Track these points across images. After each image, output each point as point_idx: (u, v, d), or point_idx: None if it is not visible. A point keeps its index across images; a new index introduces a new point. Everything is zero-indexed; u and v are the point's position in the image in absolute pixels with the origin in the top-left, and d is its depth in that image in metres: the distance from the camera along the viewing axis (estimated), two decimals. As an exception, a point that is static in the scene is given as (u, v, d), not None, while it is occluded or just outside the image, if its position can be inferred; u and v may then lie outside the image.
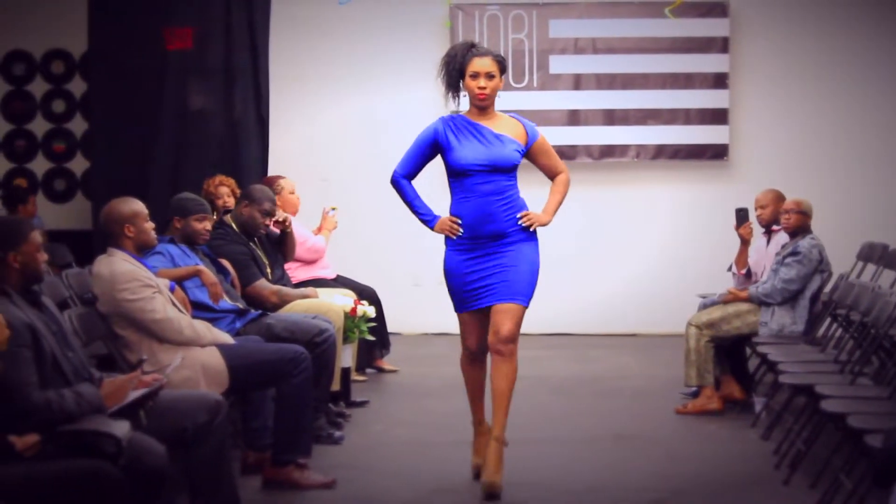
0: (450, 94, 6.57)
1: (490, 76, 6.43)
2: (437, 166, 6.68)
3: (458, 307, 6.63)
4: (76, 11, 11.28)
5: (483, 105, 6.49)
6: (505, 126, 6.54)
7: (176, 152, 10.67)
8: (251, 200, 8.08)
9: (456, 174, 6.49)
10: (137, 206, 6.33)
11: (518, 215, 6.47)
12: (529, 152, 6.58)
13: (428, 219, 6.62)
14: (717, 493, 6.51)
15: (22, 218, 5.66)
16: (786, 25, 11.99)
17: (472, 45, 6.55)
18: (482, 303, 6.50)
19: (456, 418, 7.87)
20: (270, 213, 8.13)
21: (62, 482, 4.23)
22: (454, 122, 6.53)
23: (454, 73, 6.51)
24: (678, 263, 11.88)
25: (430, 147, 6.56)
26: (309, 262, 9.18)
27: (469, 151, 6.43)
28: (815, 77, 11.97)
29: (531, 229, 6.49)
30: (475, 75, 6.44)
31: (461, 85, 6.53)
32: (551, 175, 6.73)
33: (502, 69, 6.51)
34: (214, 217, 8.17)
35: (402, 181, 6.62)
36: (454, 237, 6.51)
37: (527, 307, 6.51)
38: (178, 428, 5.17)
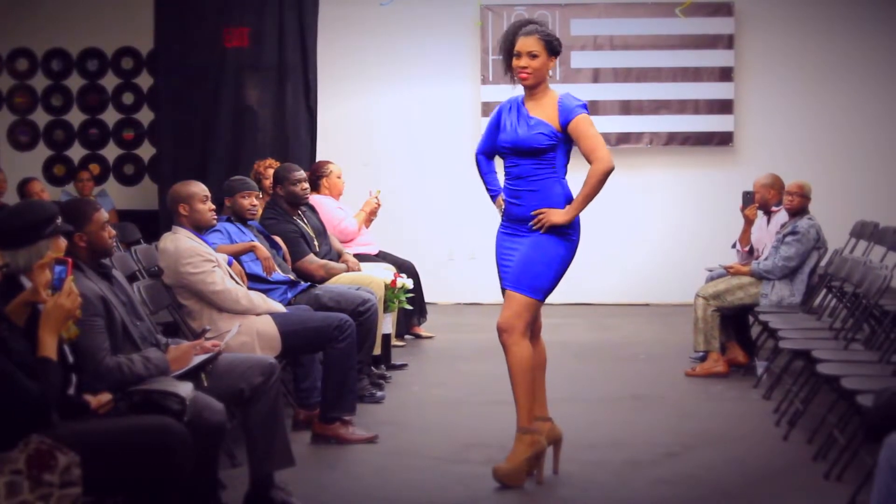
0: (509, 74, 5.80)
1: (533, 55, 5.65)
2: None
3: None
4: (144, 13, 11.32)
5: (524, 85, 5.73)
6: (543, 108, 5.71)
7: (233, 140, 10.73)
8: (281, 181, 8.03)
9: (500, 155, 5.90)
10: (193, 188, 6.33)
11: (531, 213, 5.71)
12: (569, 136, 5.70)
13: (492, 194, 5.97)
14: (723, 447, 6.48)
15: (86, 200, 5.66)
16: (786, 24, 11.92)
17: (526, 24, 5.79)
18: (502, 284, 5.79)
19: (487, 380, 7.89)
20: (301, 180, 8.05)
21: (132, 436, 4.24)
22: (510, 103, 5.82)
23: (506, 52, 5.75)
24: (687, 240, 11.83)
25: (496, 126, 5.84)
26: (341, 242, 9.05)
27: (505, 134, 5.76)
28: (812, 71, 11.89)
29: (542, 231, 5.70)
30: (518, 55, 5.67)
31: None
32: (590, 162, 5.72)
33: (550, 48, 5.69)
34: (261, 196, 8.19)
35: (479, 157, 6.00)
36: (501, 216, 5.86)
37: (531, 298, 5.69)
38: (235, 388, 5.21)
